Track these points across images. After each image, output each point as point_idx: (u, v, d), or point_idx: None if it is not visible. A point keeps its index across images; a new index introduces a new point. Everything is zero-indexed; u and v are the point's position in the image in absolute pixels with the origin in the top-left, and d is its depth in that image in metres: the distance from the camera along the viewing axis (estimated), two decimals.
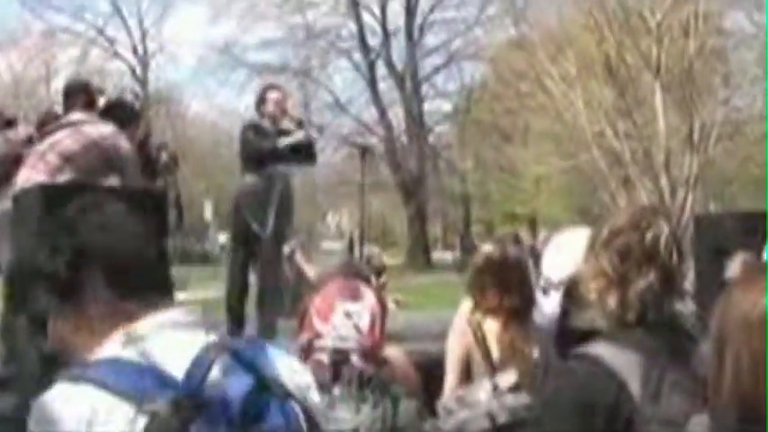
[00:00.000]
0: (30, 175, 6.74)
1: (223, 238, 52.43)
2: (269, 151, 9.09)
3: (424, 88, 47.84)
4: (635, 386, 2.51)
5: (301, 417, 2.05)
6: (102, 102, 8.34)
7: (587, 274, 2.80)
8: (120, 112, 7.69)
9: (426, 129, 47.27)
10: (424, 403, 4.11)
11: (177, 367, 1.98)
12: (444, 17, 47.11)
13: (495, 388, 4.27)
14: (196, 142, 55.02)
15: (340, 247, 48.53)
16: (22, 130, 8.57)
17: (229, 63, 46.57)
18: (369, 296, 3.47)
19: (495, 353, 4.57)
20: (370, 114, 47.14)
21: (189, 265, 29.61)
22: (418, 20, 46.60)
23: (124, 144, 7.15)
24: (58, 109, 8.15)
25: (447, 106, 50.00)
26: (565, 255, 3.64)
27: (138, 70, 52.61)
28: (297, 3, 45.55)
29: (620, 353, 2.58)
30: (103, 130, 7.11)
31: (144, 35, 52.63)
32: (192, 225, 54.17)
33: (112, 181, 6.90)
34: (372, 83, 46.39)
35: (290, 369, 2.16)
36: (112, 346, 2.05)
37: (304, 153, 9.44)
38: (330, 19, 46.63)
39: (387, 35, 46.50)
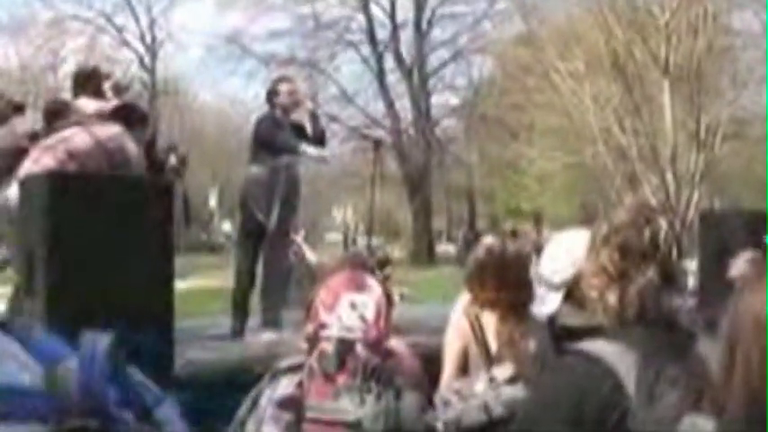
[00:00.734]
0: (32, 169, 6.72)
1: (228, 226, 52.61)
2: (286, 146, 9.09)
3: (432, 82, 47.85)
4: (630, 384, 2.51)
5: None
6: (108, 85, 8.37)
7: (588, 271, 2.81)
8: (127, 114, 7.69)
9: (433, 122, 47.26)
10: (428, 397, 4.12)
11: None
12: (453, 11, 47.10)
13: (492, 380, 4.28)
14: (202, 131, 55.15)
15: (344, 239, 48.64)
16: (30, 118, 8.57)
17: (237, 53, 46.57)
18: (375, 287, 3.48)
19: (493, 346, 4.58)
20: (377, 107, 47.14)
21: (193, 254, 29.69)
22: (427, 13, 46.59)
23: (130, 146, 7.14)
24: (66, 96, 8.16)
25: (454, 100, 50.05)
26: (564, 256, 3.66)
27: (147, 59, 52.67)
28: None
29: (617, 350, 2.59)
30: (110, 130, 7.10)
31: (152, 24, 52.74)
32: (197, 213, 54.35)
33: None
34: (380, 75, 46.37)
35: None
36: None
37: (315, 146, 9.44)
38: (339, 10, 46.66)
39: (395, 28, 46.48)
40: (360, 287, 3.43)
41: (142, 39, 52.70)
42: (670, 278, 2.74)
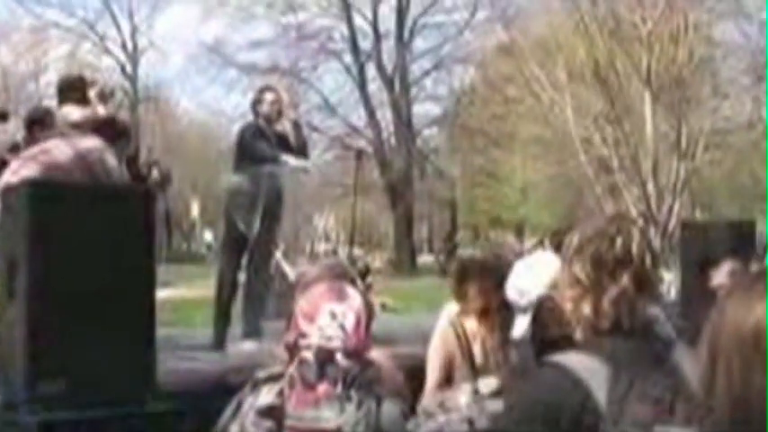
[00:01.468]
0: (11, 181, 6.68)
1: (209, 236, 52.51)
2: (268, 156, 9.09)
3: (414, 91, 47.88)
4: (601, 395, 2.52)
5: None
6: (93, 93, 8.36)
7: (562, 283, 2.82)
8: (109, 128, 7.68)
9: (414, 132, 47.29)
10: (411, 406, 4.13)
11: None
12: (435, 21, 47.23)
13: (476, 393, 4.30)
14: (184, 140, 55.07)
15: (325, 249, 48.60)
16: (12, 126, 8.55)
17: (219, 62, 46.55)
18: (354, 297, 3.48)
19: (478, 357, 4.60)
20: (359, 117, 47.16)
21: (175, 264, 29.61)
22: (409, 23, 46.65)
23: (110, 159, 7.12)
24: (48, 104, 8.15)
25: (436, 110, 50.10)
26: (530, 279, 3.66)
27: (128, 67, 52.59)
28: (288, 3, 45.54)
29: (588, 361, 2.59)
30: (91, 143, 7.07)
31: (134, 32, 52.70)
32: (179, 223, 54.27)
33: None
34: (362, 85, 46.39)
35: None
36: None
37: (297, 155, 9.45)
38: (321, 20, 46.68)
39: (378, 38, 46.51)
40: (340, 297, 3.43)
41: (124, 47, 52.67)
42: (645, 287, 2.73)
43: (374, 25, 46.69)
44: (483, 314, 4.61)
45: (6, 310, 5.81)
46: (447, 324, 4.76)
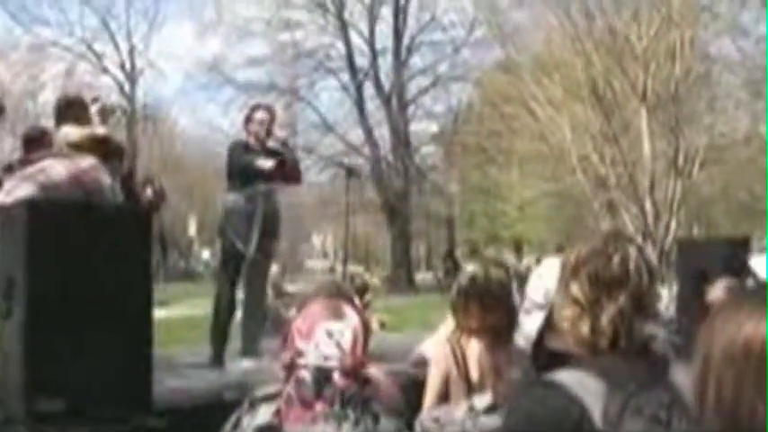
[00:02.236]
0: (5, 201, 6.66)
1: (207, 254, 52.51)
2: (252, 170, 9.10)
3: (411, 109, 47.84)
4: (597, 413, 2.52)
5: None
6: (95, 109, 8.36)
7: (559, 302, 2.81)
8: (103, 147, 7.68)
9: (412, 149, 47.26)
10: (408, 423, 4.13)
11: None
12: (432, 39, 47.18)
13: (472, 409, 4.29)
14: (181, 158, 55.08)
15: (323, 267, 48.61)
16: (8, 144, 8.55)
17: (217, 80, 46.53)
18: (351, 315, 3.48)
19: (474, 373, 4.59)
20: (357, 135, 47.12)
21: (172, 283, 29.59)
22: (406, 41, 46.65)
23: (105, 178, 7.11)
24: (45, 123, 8.15)
25: (433, 127, 50.05)
26: (548, 278, 3.66)
27: (126, 86, 52.64)
28: (285, 22, 45.55)
29: (584, 379, 2.58)
30: (85, 163, 7.06)
31: (132, 51, 52.75)
32: (176, 241, 54.23)
33: None
34: (359, 103, 46.37)
35: None
36: None
37: (288, 173, 9.45)
38: (319, 38, 46.68)
39: (375, 56, 46.53)
40: (336, 315, 3.44)
41: (122, 66, 52.70)
42: (642, 305, 2.74)
43: (371, 43, 46.73)
44: (480, 331, 4.61)
45: (4, 328, 5.81)
46: (445, 341, 4.76)
